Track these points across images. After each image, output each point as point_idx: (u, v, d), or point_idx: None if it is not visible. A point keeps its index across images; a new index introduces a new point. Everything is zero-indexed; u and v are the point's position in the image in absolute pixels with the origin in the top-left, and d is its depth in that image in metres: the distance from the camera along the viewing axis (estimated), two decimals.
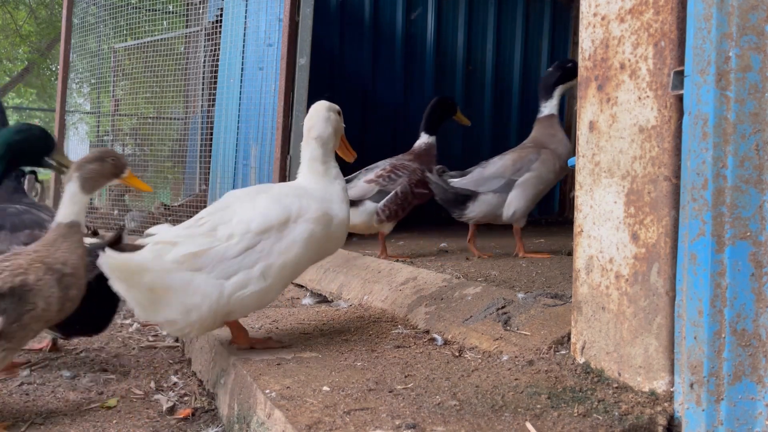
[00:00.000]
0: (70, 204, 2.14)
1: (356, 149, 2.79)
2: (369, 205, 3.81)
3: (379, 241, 3.97)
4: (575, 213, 1.95)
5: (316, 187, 2.45)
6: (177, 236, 2.23)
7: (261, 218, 2.26)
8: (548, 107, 3.88)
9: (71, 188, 2.15)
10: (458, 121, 4.36)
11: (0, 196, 2.76)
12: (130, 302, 2.16)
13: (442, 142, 6.46)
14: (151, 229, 2.33)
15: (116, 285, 2.11)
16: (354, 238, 4.70)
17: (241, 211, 2.29)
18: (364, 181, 3.88)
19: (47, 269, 2.01)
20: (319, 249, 2.41)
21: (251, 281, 2.22)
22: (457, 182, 3.82)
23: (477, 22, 6.84)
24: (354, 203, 3.68)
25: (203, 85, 6.51)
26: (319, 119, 2.52)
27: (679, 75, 1.58)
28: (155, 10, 7.63)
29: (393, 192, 3.79)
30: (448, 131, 6.64)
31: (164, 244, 2.19)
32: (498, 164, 3.81)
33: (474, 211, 3.79)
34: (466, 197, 3.79)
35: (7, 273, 1.96)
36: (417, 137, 4.19)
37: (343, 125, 2.62)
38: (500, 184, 3.75)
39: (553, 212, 7.70)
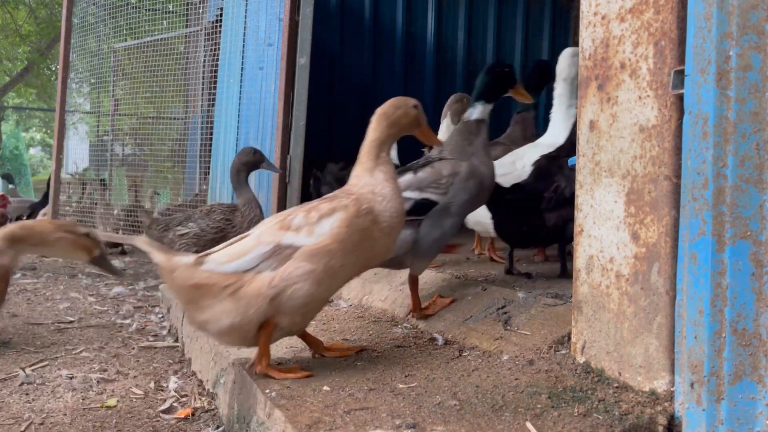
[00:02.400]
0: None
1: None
2: None
3: None
4: (575, 213, 1.95)
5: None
6: None
7: None
8: None
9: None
10: None
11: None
12: None
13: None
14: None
15: None
16: None
17: None
18: None
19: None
20: None
21: None
22: None
23: (477, 22, 6.83)
24: None
25: (203, 85, 6.50)
26: (565, 64, 3.51)
27: (680, 74, 1.58)
28: (155, 10, 7.62)
29: None
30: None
31: None
32: None
33: None
34: None
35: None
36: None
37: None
38: None
39: None
